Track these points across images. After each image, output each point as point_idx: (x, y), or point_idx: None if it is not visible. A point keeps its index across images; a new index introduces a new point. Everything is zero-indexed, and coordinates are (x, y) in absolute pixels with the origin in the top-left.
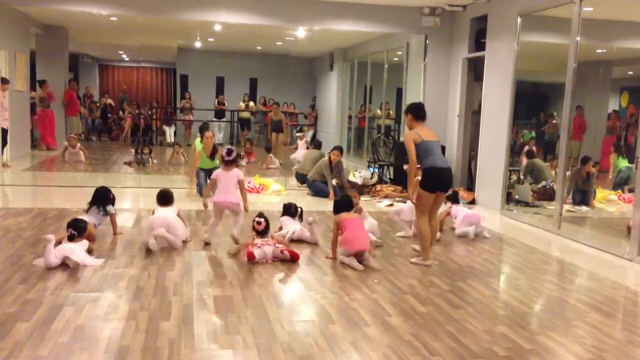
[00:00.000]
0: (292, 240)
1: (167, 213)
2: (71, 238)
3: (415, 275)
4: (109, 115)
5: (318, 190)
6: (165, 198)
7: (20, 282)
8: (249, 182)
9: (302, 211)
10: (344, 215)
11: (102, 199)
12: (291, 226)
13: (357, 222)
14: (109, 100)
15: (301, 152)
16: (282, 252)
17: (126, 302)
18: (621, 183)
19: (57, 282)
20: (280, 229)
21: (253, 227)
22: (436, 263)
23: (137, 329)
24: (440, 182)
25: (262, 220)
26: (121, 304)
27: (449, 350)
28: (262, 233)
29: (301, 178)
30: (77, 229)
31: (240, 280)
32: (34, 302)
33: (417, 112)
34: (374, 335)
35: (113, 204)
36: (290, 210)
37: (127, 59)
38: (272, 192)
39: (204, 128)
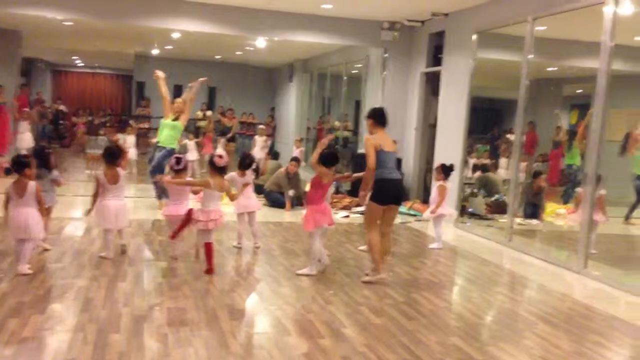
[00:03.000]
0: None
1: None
2: (7, 172)
3: (370, 287)
4: (61, 121)
5: (274, 200)
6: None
7: None
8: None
9: (258, 166)
10: (330, 174)
11: (41, 158)
12: (241, 199)
13: (326, 192)
14: (62, 106)
15: (257, 150)
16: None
17: (74, 313)
18: (570, 182)
19: (2, 292)
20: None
21: (171, 166)
22: (391, 274)
23: (85, 342)
24: (390, 194)
25: (181, 157)
26: (69, 315)
27: None
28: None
29: (258, 188)
30: (16, 164)
31: (194, 292)
32: None
33: (379, 117)
34: (329, 347)
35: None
36: (243, 162)
37: (81, 64)
38: (227, 202)
39: (172, 101)
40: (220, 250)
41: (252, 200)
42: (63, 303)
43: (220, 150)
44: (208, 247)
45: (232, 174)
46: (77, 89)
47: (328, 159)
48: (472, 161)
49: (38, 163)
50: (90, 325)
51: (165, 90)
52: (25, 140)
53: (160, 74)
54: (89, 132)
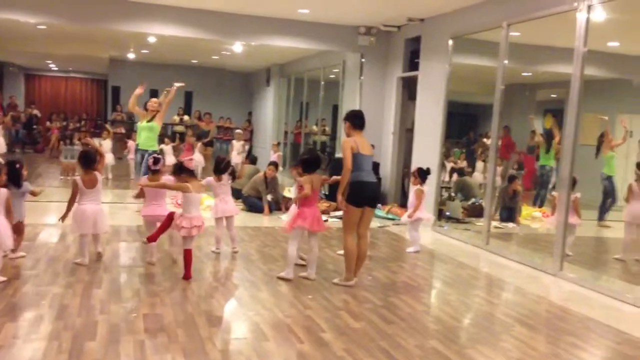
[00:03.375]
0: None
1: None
2: None
3: (349, 291)
4: (35, 126)
5: (253, 205)
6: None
7: None
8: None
9: (233, 169)
10: (315, 179)
11: (13, 173)
12: (215, 201)
13: (316, 196)
14: (35, 111)
15: (235, 154)
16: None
17: (49, 321)
18: (542, 183)
19: None
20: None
21: (149, 165)
22: (369, 278)
23: (60, 350)
24: (366, 196)
25: (159, 157)
26: (43, 323)
27: None
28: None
29: (236, 193)
30: None
31: (172, 298)
32: None
33: (356, 120)
34: (308, 352)
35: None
36: (219, 166)
37: (55, 68)
38: (206, 207)
39: (146, 101)
40: (198, 255)
41: (229, 204)
42: (37, 311)
43: (196, 155)
44: (188, 254)
45: (209, 179)
46: (50, 93)
47: (309, 164)
48: (449, 165)
49: (8, 178)
50: (65, 333)
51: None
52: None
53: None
54: (63, 137)
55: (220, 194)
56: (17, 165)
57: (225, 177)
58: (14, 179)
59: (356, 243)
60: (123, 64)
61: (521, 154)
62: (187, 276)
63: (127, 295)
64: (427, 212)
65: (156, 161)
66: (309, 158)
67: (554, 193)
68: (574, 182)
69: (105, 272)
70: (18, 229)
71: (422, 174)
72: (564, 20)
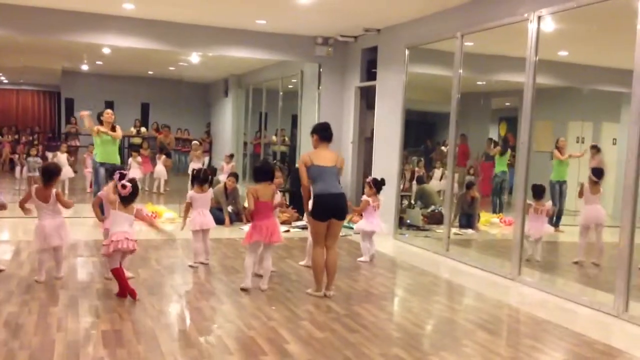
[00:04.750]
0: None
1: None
2: None
3: (313, 301)
4: None
5: (213, 217)
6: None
7: None
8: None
9: (211, 178)
10: (261, 190)
11: None
12: (194, 213)
13: (270, 207)
14: None
15: (195, 165)
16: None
17: (3, 342)
18: (497, 189)
19: None
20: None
21: (117, 189)
22: (333, 288)
23: None
24: (329, 209)
25: (127, 184)
26: None
27: None
28: (126, 200)
29: None
30: None
31: (131, 313)
32: None
33: (323, 132)
34: None
35: None
36: (199, 177)
37: (5, 80)
38: (166, 220)
39: (100, 112)
40: (158, 269)
41: (207, 217)
42: None
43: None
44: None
45: (191, 193)
46: (1, 106)
47: (259, 173)
48: (408, 173)
49: None
50: (21, 353)
51: (90, 125)
52: None
53: (85, 113)
54: (14, 151)
55: (199, 206)
56: None
57: (206, 187)
58: None
59: (323, 255)
60: (76, 76)
61: (479, 161)
62: (121, 294)
63: (85, 311)
64: (378, 223)
65: (122, 176)
66: (260, 167)
67: (529, 201)
68: (543, 191)
69: (61, 289)
70: None
71: (377, 184)
72: (515, 31)
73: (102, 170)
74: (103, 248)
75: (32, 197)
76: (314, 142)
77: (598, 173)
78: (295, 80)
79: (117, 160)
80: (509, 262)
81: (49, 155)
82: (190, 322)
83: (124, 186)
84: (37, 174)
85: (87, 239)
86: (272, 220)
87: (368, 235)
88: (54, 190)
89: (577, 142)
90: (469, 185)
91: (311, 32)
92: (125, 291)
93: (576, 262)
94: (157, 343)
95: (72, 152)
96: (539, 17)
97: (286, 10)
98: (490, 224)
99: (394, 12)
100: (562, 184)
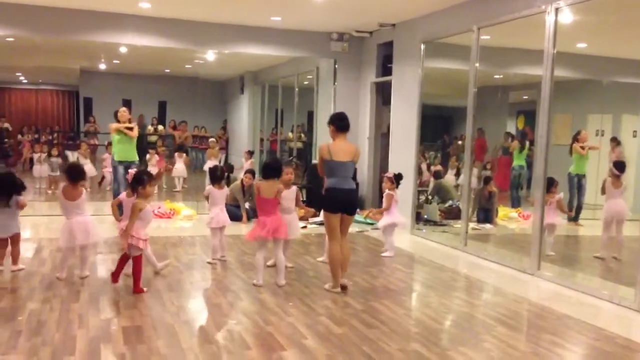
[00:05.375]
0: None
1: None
2: None
3: (330, 297)
4: (5, 140)
5: (230, 213)
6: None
7: None
8: (159, 207)
9: (228, 175)
10: (263, 186)
11: (8, 186)
12: (214, 211)
13: (272, 204)
14: (6, 124)
15: (211, 163)
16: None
17: (26, 337)
18: (515, 184)
19: None
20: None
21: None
22: (351, 284)
23: None
24: (340, 203)
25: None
26: (21, 339)
27: None
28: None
29: None
30: None
31: (151, 310)
32: None
33: (340, 122)
34: (290, 359)
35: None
36: (216, 174)
37: (25, 80)
38: (184, 217)
39: (116, 111)
40: (177, 265)
41: (225, 214)
42: (15, 327)
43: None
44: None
45: (210, 188)
46: (21, 106)
47: (267, 169)
48: (424, 168)
49: (7, 188)
50: (43, 349)
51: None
52: None
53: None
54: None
55: (217, 203)
56: (15, 176)
57: (223, 184)
58: (16, 189)
59: (340, 251)
60: (94, 75)
61: (496, 155)
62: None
63: (106, 308)
64: (400, 217)
65: (139, 180)
66: (269, 164)
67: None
68: (555, 183)
69: (82, 286)
70: (15, 241)
71: (397, 179)
72: (533, 23)
73: (120, 169)
74: (142, 242)
75: (60, 196)
76: (331, 133)
77: (620, 166)
78: (310, 77)
79: (134, 157)
80: (528, 256)
81: (69, 154)
82: (209, 318)
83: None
84: (57, 173)
85: (106, 237)
86: (276, 216)
87: (391, 229)
88: (82, 189)
89: (597, 135)
90: (487, 180)
91: (326, 28)
92: (117, 276)
93: (598, 257)
94: (177, 339)
95: (91, 150)
96: (557, 9)
97: (301, 7)
98: (508, 218)
99: (410, 6)
100: (581, 177)
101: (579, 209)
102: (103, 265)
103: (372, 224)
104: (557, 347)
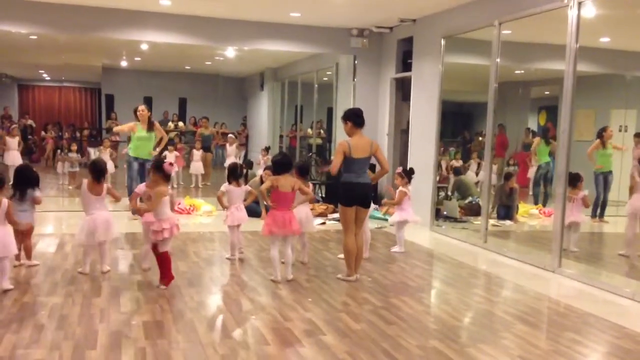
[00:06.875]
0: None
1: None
2: None
3: (349, 293)
4: (29, 136)
5: (250, 209)
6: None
7: None
8: (179, 204)
9: (247, 172)
10: (281, 179)
11: (26, 179)
12: (230, 208)
13: (290, 198)
14: (30, 121)
15: (230, 159)
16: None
17: (49, 331)
18: (539, 181)
19: None
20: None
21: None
22: (369, 280)
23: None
24: (354, 196)
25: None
26: (43, 333)
27: None
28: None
29: None
30: None
31: (171, 305)
32: None
33: (356, 118)
34: (309, 355)
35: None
36: (235, 172)
37: (48, 78)
38: (204, 213)
39: (135, 109)
40: (196, 261)
41: (243, 211)
42: (37, 321)
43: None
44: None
45: (228, 186)
46: (44, 103)
47: (278, 165)
48: (443, 164)
49: (23, 182)
50: (65, 343)
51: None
52: (15, 157)
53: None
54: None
55: (235, 201)
56: (33, 170)
57: (241, 182)
58: (33, 182)
59: (355, 242)
60: (116, 72)
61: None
62: (167, 280)
63: (127, 302)
64: (412, 214)
65: (159, 166)
66: (280, 160)
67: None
68: (580, 179)
69: (104, 281)
70: (28, 232)
71: (408, 174)
72: (555, 18)
73: (135, 165)
74: (166, 232)
75: (84, 190)
76: (348, 129)
77: None
78: (330, 73)
79: (149, 156)
80: (549, 253)
81: (91, 150)
82: (228, 313)
83: (170, 164)
84: (76, 169)
85: (126, 232)
86: (289, 211)
87: (403, 225)
88: (105, 185)
89: (620, 130)
90: (508, 176)
91: (346, 24)
92: (170, 275)
93: (622, 255)
94: (197, 334)
95: (113, 146)
96: (579, 3)
97: (321, 3)
98: (529, 215)
99: (431, 1)
100: (607, 174)
101: (604, 205)
102: (124, 260)
103: (387, 219)
104: (578, 345)
